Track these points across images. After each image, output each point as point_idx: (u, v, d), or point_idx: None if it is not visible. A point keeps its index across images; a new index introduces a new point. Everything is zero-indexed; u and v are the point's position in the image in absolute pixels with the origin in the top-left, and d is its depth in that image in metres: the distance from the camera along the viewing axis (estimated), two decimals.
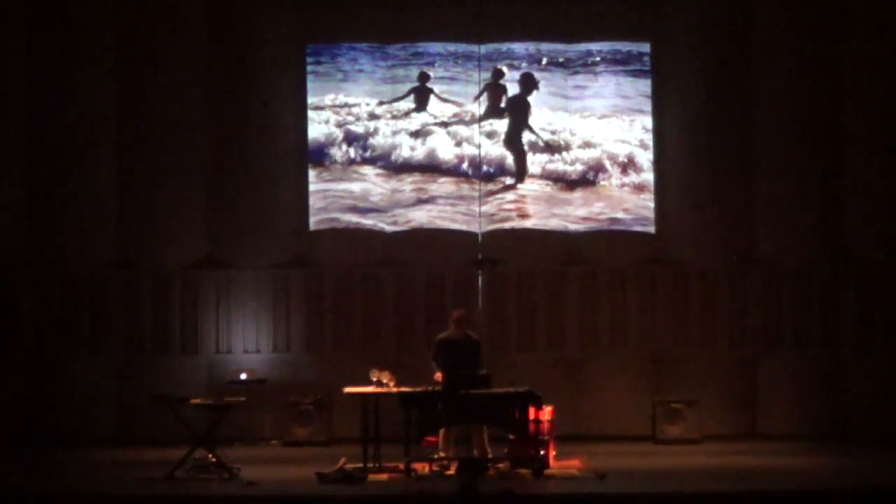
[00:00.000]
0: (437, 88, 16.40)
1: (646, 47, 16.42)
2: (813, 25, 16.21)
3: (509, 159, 16.39)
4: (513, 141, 16.40)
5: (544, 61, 16.39)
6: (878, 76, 16.06)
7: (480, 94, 16.35)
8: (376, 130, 16.45)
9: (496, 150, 16.40)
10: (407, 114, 16.40)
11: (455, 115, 16.41)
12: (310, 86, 16.42)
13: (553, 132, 16.38)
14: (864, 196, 16.02)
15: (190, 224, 16.19)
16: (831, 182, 16.15)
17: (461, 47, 16.38)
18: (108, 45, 16.21)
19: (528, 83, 16.36)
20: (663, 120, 16.37)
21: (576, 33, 16.40)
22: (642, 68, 16.41)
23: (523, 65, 16.40)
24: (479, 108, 16.35)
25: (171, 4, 16.37)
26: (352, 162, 16.46)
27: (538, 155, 16.36)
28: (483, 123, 16.37)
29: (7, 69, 16.08)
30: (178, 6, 16.35)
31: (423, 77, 16.39)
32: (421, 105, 16.41)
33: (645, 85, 16.39)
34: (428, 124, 16.42)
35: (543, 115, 16.38)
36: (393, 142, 16.44)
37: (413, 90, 16.42)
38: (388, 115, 16.43)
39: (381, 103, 16.41)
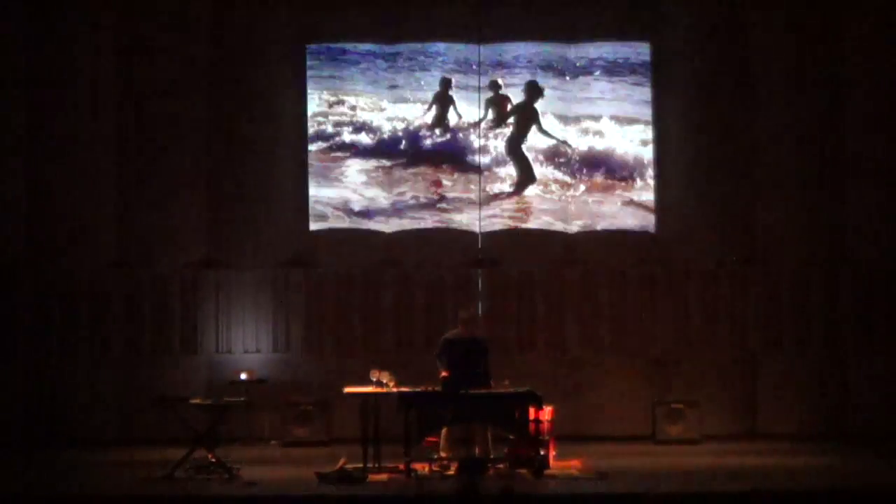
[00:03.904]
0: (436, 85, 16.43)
1: (646, 48, 16.43)
2: (813, 26, 16.21)
3: (510, 165, 16.40)
4: (514, 148, 16.40)
5: (544, 63, 16.39)
6: (879, 76, 16.08)
7: (486, 113, 16.34)
8: (377, 131, 16.45)
9: (499, 155, 16.40)
10: (433, 126, 16.38)
11: (459, 117, 16.43)
12: (310, 85, 16.43)
13: (554, 134, 16.41)
14: (864, 196, 16.03)
15: (190, 224, 16.20)
16: (831, 182, 16.16)
17: (461, 48, 16.38)
18: (108, 44, 16.21)
19: (534, 91, 16.35)
20: (664, 120, 16.37)
21: (576, 34, 16.40)
22: (643, 69, 16.41)
23: (523, 69, 16.39)
24: (481, 112, 16.34)
25: (172, 3, 16.37)
26: (352, 161, 16.45)
27: (539, 156, 16.37)
28: (484, 126, 16.38)
29: (7, 68, 16.08)
30: (178, 5, 16.35)
31: (446, 84, 16.36)
32: (443, 114, 16.38)
33: (645, 85, 16.39)
34: (432, 127, 16.43)
35: (542, 117, 16.38)
36: (394, 142, 16.44)
37: (436, 98, 16.39)
38: (392, 119, 16.45)
39: (399, 118, 16.43)
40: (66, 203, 16.14)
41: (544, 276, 16.24)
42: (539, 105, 16.36)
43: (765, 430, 15.88)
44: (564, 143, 16.35)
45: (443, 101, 16.41)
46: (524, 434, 12.48)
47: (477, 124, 16.37)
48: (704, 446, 14.93)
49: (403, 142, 16.45)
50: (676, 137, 16.38)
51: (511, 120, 16.41)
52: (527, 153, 16.38)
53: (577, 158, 16.39)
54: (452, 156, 16.42)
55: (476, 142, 16.36)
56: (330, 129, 16.47)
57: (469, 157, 16.38)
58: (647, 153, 16.37)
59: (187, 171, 16.21)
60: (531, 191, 16.40)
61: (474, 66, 16.31)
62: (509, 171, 16.41)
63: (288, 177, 16.39)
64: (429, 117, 16.41)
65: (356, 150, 16.46)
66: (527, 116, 16.38)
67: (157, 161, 16.23)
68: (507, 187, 16.40)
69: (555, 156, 16.40)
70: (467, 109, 16.38)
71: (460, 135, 16.41)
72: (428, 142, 16.44)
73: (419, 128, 16.43)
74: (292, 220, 16.37)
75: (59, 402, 15.83)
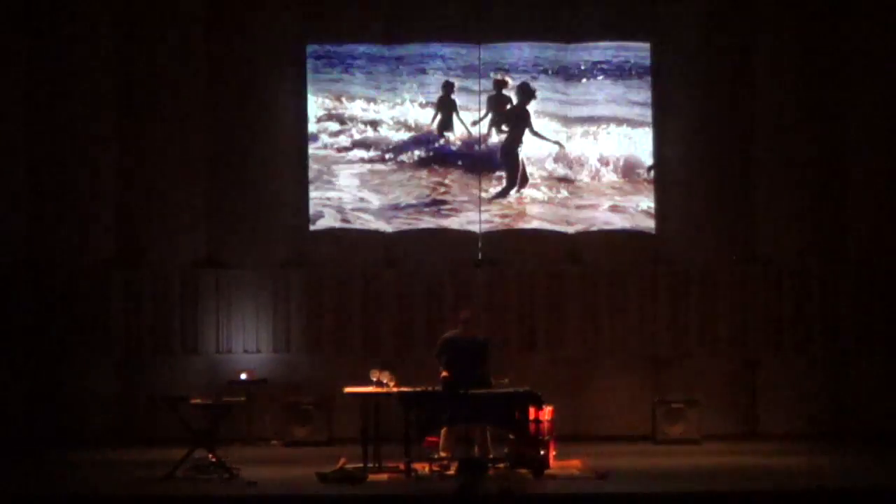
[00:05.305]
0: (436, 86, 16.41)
1: (646, 48, 16.40)
2: (814, 25, 16.22)
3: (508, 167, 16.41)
4: (509, 151, 16.38)
5: (544, 64, 16.38)
6: (880, 76, 16.08)
7: (487, 112, 16.33)
8: (377, 131, 16.44)
9: (498, 156, 16.39)
10: (438, 131, 16.37)
11: (461, 122, 16.42)
12: (310, 86, 16.42)
13: (553, 135, 16.40)
14: (864, 196, 16.04)
15: (190, 224, 16.20)
16: (832, 182, 16.16)
17: (462, 49, 16.37)
18: (108, 44, 16.21)
19: (525, 93, 16.33)
20: (664, 121, 16.37)
21: (576, 35, 16.38)
22: (643, 70, 16.39)
23: (523, 70, 16.38)
24: (481, 112, 16.34)
25: (172, 4, 16.37)
26: (351, 162, 16.46)
27: (539, 157, 16.36)
28: (484, 126, 16.37)
29: (8, 68, 16.09)
30: (178, 5, 16.35)
31: (448, 88, 16.35)
32: (446, 118, 16.35)
33: (645, 85, 16.38)
34: (438, 132, 16.42)
35: (543, 119, 16.37)
36: (394, 142, 16.44)
37: (439, 102, 16.36)
38: (392, 120, 16.44)
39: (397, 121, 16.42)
40: (66, 203, 16.14)
41: (544, 276, 16.24)
42: (536, 106, 16.35)
43: (765, 430, 15.88)
44: (557, 144, 16.34)
45: (445, 105, 16.40)
46: (524, 434, 12.47)
47: (476, 124, 16.35)
48: (704, 446, 14.93)
49: (403, 142, 16.44)
50: (676, 138, 16.37)
51: (505, 124, 16.40)
52: (522, 156, 16.35)
53: (577, 159, 16.37)
54: (452, 157, 16.41)
55: (475, 143, 16.35)
56: (330, 129, 16.45)
57: (469, 159, 16.37)
58: (647, 154, 16.36)
59: (187, 170, 16.21)
60: (530, 192, 16.37)
61: (474, 68, 16.30)
62: (507, 172, 16.41)
63: (288, 177, 16.39)
64: (434, 124, 16.38)
65: (356, 151, 16.44)
66: (520, 119, 16.36)
67: (157, 161, 16.23)
68: (501, 189, 16.39)
69: (553, 157, 16.38)
70: (467, 111, 16.36)
71: (460, 136, 16.40)
72: (428, 143, 16.43)
73: (419, 129, 16.42)
74: (292, 220, 16.37)
75: (59, 402, 15.82)
